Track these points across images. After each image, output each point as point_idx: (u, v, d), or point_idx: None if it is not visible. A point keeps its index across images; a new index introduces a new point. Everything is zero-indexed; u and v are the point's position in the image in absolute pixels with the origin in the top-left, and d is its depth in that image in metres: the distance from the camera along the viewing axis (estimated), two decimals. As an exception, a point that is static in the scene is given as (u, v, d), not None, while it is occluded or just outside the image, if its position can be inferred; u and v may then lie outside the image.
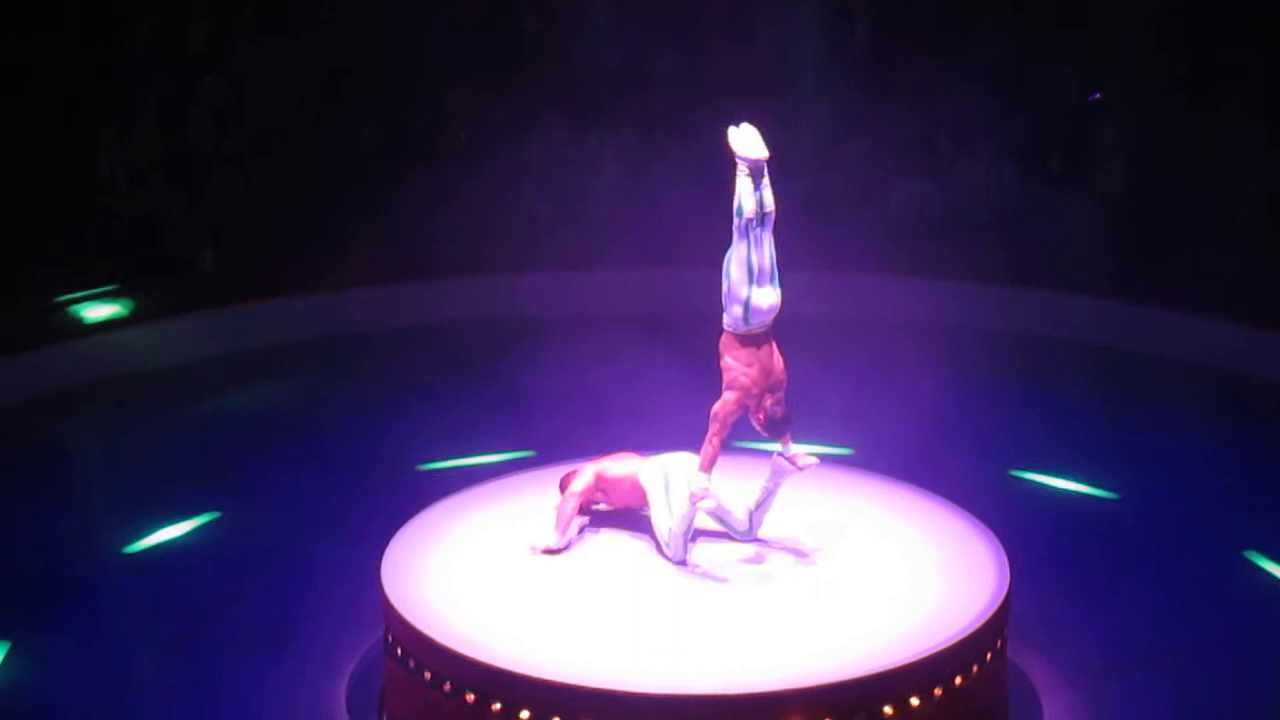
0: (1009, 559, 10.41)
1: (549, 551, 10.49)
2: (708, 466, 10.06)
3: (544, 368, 15.62)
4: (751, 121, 9.99)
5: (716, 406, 10.00)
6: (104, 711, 10.69)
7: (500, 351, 16.30)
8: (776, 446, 10.29)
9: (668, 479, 10.49)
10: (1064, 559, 12.34)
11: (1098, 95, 19.19)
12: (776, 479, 10.33)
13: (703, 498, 10.07)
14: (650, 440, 11.19)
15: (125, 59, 18.83)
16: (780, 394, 10.04)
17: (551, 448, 12.46)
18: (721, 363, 10.01)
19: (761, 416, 10.00)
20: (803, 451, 10.21)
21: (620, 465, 10.75)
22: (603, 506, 10.89)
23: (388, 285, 17.88)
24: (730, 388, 9.96)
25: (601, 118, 19.05)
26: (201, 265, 17.96)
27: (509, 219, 18.42)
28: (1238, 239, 17.55)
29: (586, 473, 10.76)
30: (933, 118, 18.77)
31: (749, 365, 9.94)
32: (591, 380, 15.03)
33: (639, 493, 10.64)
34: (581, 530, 10.78)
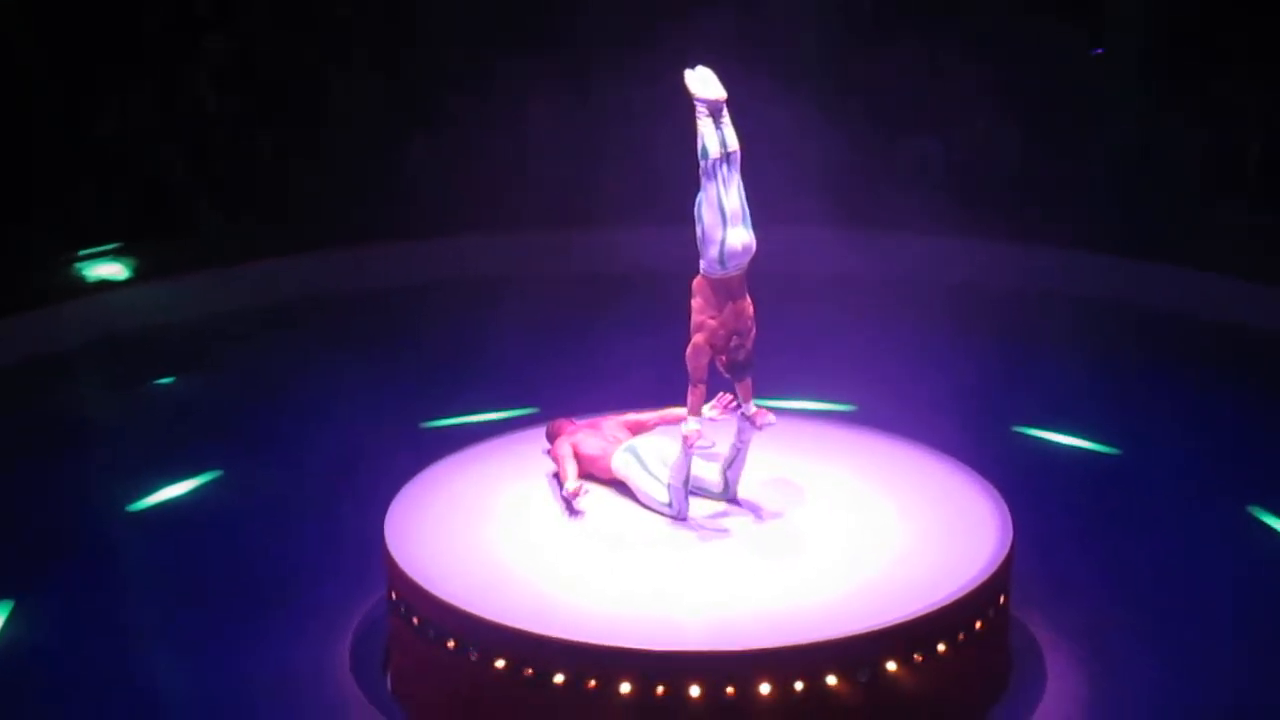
0: (1012, 515, 10.41)
1: (573, 495, 10.50)
2: (695, 411, 10.11)
3: (546, 325, 15.65)
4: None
5: (687, 351, 10.04)
6: (107, 670, 10.69)
7: (503, 309, 16.31)
8: (745, 404, 10.29)
9: (642, 458, 10.56)
10: (1067, 515, 12.33)
11: (1100, 50, 19.16)
12: (742, 437, 10.36)
13: (698, 437, 10.10)
14: (647, 396, 11.22)
15: (129, 17, 18.80)
16: (746, 338, 10.03)
17: (554, 405, 12.45)
18: (692, 303, 10.02)
19: (724, 359, 10.01)
20: (762, 410, 10.21)
21: (592, 442, 10.82)
22: None
23: (392, 243, 17.89)
24: (697, 330, 10.00)
25: (605, 76, 19.02)
26: (205, 224, 17.96)
27: (514, 177, 18.41)
28: (1242, 193, 17.55)
29: (564, 444, 10.83)
30: (937, 75, 18.73)
31: (718, 308, 9.95)
32: (593, 337, 15.06)
33: (608, 472, 10.72)
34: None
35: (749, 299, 10.06)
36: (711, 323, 9.97)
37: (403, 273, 17.53)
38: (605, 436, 10.84)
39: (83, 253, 17.10)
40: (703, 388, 10.10)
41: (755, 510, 10.50)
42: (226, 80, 18.82)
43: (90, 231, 17.29)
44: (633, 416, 11.03)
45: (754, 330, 10.07)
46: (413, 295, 17.09)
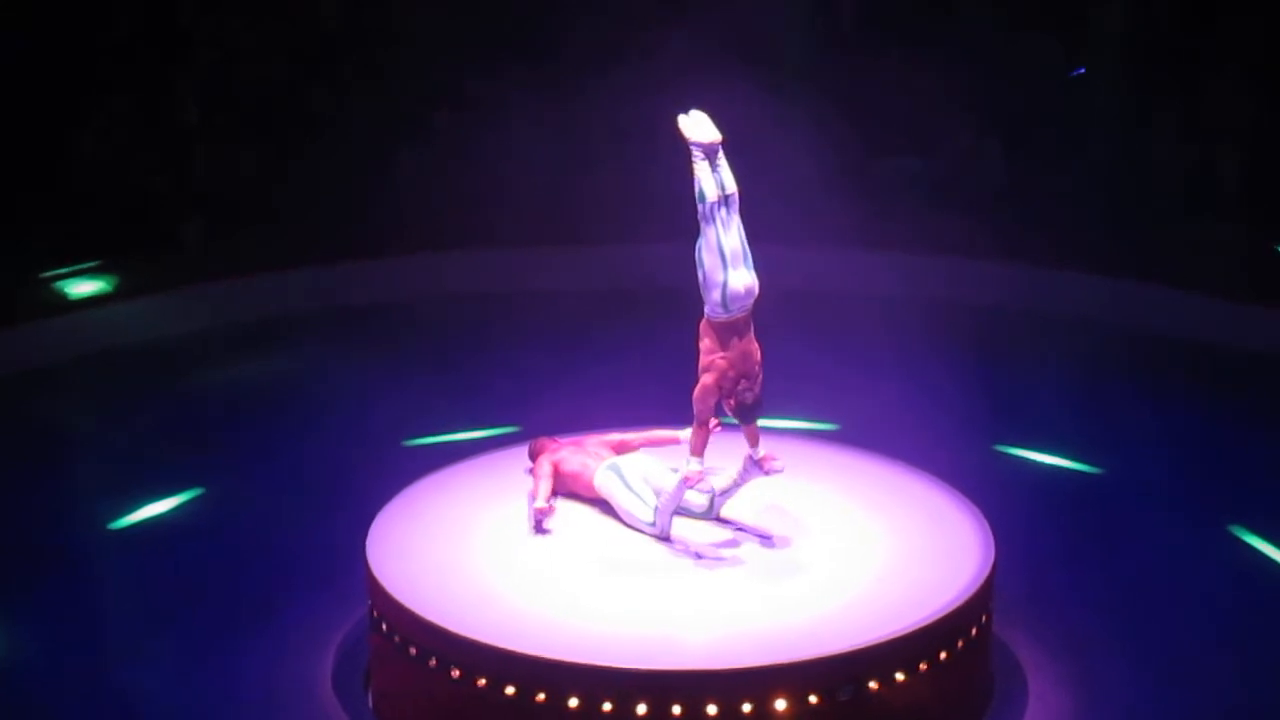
0: (993, 534, 10.42)
1: (541, 513, 10.50)
2: (698, 451, 10.11)
3: (529, 342, 15.65)
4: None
5: (695, 392, 10.02)
6: (89, 686, 10.67)
7: (487, 325, 16.34)
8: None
9: (624, 476, 10.56)
10: (1049, 534, 12.32)
11: (1081, 70, 19.21)
12: (745, 476, 10.34)
13: (698, 480, 10.11)
14: (631, 415, 11.22)
15: (112, 31, 18.78)
16: (755, 381, 10.02)
17: (536, 423, 12.45)
18: (699, 345, 10.00)
19: (733, 402, 9.99)
20: (771, 456, 10.20)
21: (575, 459, 10.82)
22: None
23: (374, 259, 17.86)
24: (706, 370, 9.96)
25: (586, 90, 19.03)
26: (188, 240, 17.94)
27: (495, 192, 18.40)
28: (1224, 212, 17.58)
29: (544, 462, 10.83)
30: (920, 92, 18.75)
31: (727, 350, 9.91)
32: (576, 355, 15.06)
33: (590, 489, 10.72)
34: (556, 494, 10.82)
35: (756, 342, 10.02)
36: (721, 363, 9.92)
37: (387, 289, 17.50)
38: (588, 454, 10.84)
39: (65, 269, 17.05)
40: (707, 429, 10.09)
41: (737, 530, 10.49)
42: (210, 94, 18.80)
43: (73, 247, 17.25)
44: (617, 436, 11.03)
45: (761, 374, 10.04)
46: (396, 311, 17.06)
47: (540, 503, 10.56)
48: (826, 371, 14.31)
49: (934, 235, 17.39)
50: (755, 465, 10.20)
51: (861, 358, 14.80)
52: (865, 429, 13.09)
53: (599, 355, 14.92)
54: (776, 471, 10.20)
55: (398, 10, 19.76)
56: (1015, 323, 16.56)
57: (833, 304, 16.23)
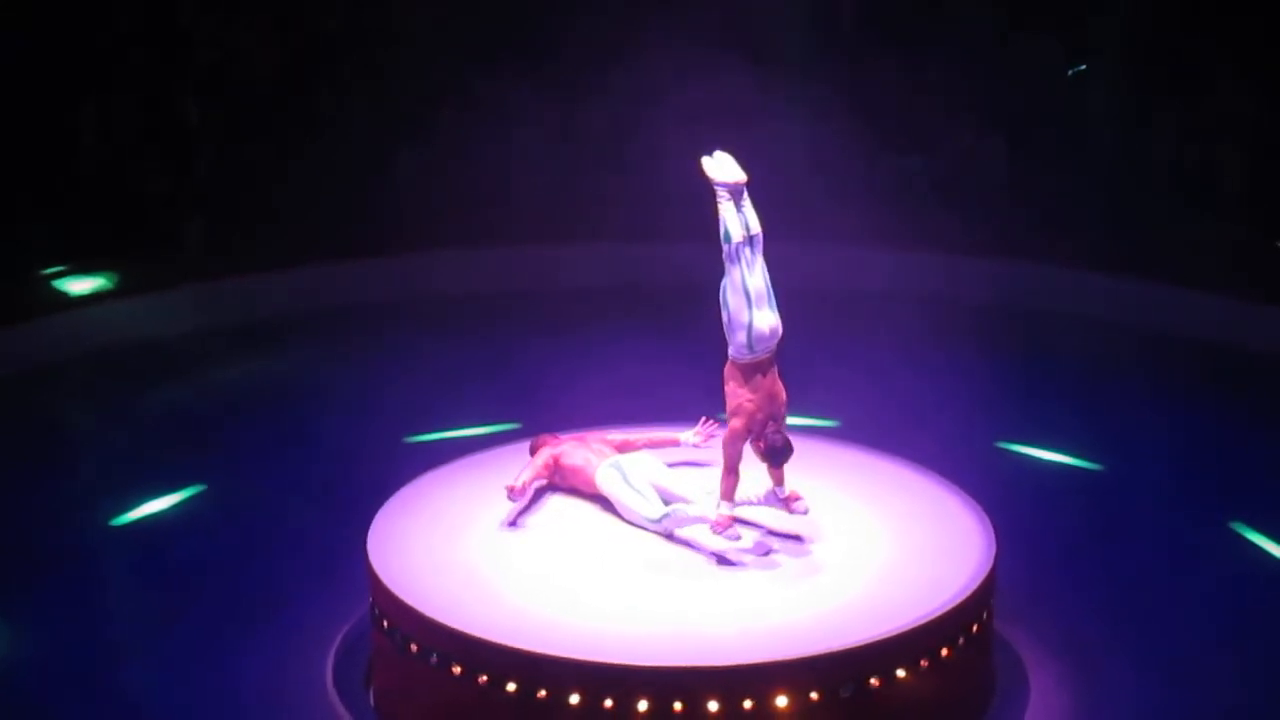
0: (995, 531, 10.41)
1: (511, 490, 10.43)
2: (728, 496, 10.08)
3: (529, 340, 15.65)
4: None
5: (724, 436, 10.02)
6: (90, 684, 10.66)
7: (487, 324, 16.33)
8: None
9: (626, 474, 10.53)
10: (1050, 531, 12.33)
11: (1082, 67, 19.23)
12: (764, 503, 10.32)
13: (727, 527, 10.07)
14: (632, 413, 11.21)
15: (112, 30, 18.79)
16: (781, 422, 10.01)
17: (537, 420, 12.43)
18: (725, 389, 9.99)
19: (762, 445, 9.97)
20: (797, 497, 10.18)
21: (578, 454, 10.79)
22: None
23: (376, 258, 17.86)
24: (735, 414, 9.93)
25: (587, 88, 19.04)
26: (188, 239, 17.94)
27: (496, 190, 18.41)
28: (1224, 210, 17.59)
29: (544, 454, 10.82)
30: (920, 92, 18.76)
31: (754, 391, 9.89)
32: (577, 352, 15.05)
33: (591, 485, 10.68)
34: (541, 491, 10.82)
35: (781, 383, 10.02)
36: (749, 405, 9.90)
37: (387, 288, 17.50)
38: (590, 450, 10.82)
39: (64, 267, 17.05)
40: (736, 475, 10.05)
41: (767, 533, 10.42)
42: (210, 94, 18.80)
43: (72, 246, 17.25)
44: (619, 435, 11.01)
45: (786, 413, 10.03)
46: (396, 310, 17.06)
47: (516, 483, 10.49)
48: (827, 368, 14.29)
49: (934, 234, 17.39)
50: (779, 501, 10.19)
51: (862, 355, 14.81)
52: (866, 426, 13.07)
53: (600, 353, 14.88)
54: (800, 513, 10.19)
55: (398, 10, 19.75)
56: (1016, 320, 16.55)
57: (833, 301, 16.21)
